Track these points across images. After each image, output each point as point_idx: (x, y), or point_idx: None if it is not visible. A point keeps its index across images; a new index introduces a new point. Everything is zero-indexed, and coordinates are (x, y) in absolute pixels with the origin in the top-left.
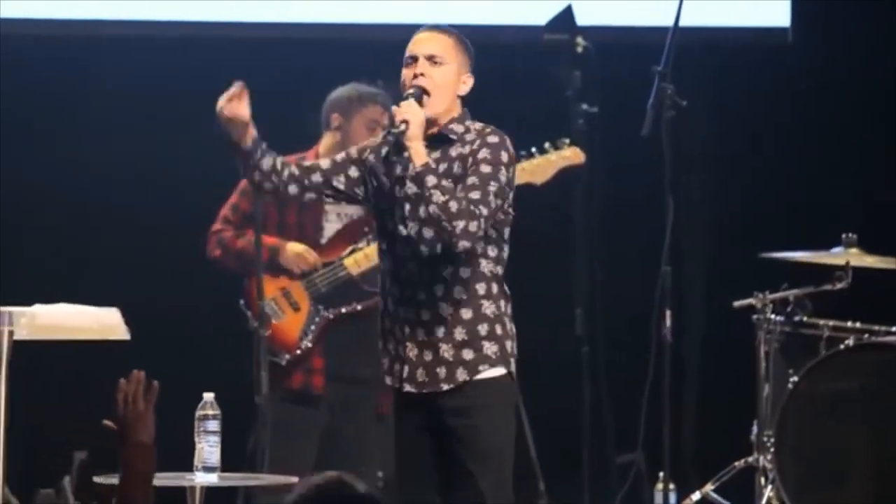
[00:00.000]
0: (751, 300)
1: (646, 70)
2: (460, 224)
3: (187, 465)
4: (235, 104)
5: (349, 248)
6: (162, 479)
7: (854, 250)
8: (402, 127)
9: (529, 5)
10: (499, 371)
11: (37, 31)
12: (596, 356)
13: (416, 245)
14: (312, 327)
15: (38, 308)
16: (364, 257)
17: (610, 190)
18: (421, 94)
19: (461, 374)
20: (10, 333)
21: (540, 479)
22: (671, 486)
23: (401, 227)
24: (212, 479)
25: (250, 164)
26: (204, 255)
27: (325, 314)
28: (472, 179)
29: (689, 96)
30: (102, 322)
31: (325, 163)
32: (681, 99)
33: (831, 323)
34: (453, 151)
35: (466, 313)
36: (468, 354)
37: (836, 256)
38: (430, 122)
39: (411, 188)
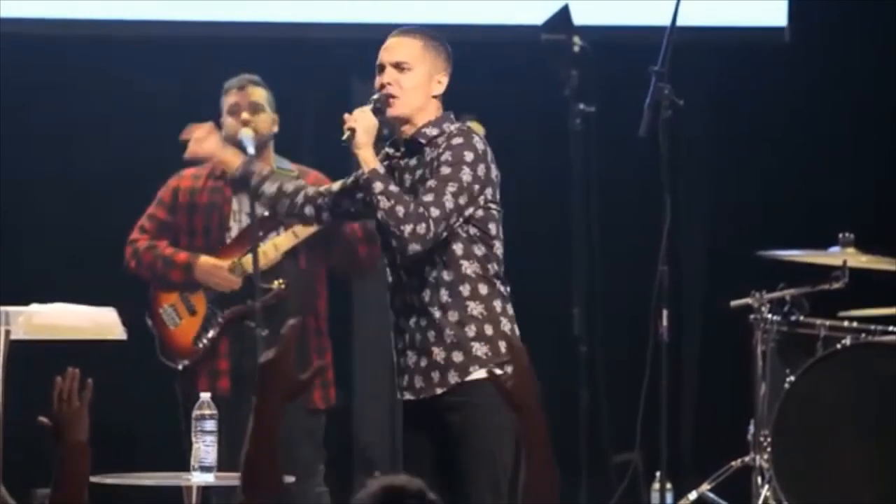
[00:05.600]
0: (748, 300)
1: (643, 69)
2: (408, 228)
3: (184, 465)
4: (195, 146)
5: (248, 248)
6: (159, 479)
7: (851, 250)
8: (348, 134)
9: (527, 5)
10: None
11: (37, 31)
12: (593, 355)
13: (397, 251)
14: (209, 330)
15: (36, 308)
16: (262, 255)
17: (607, 189)
18: (384, 103)
19: (452, 377)
20: (8, 333)
21: None
22: (668, 485)
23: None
24: (208, 478)
25: (250, 191)
26: None
27: (221, 315)
28: (429, 183)
29: (686, 96)
30: (99, 322)
31: (336, 185)
32: (678, 98)
33: (828, 322)
34: (427, 156)
35: (453, 316)
36: (458, 357)
37: (833, 256)
38: (406, 126)
39: (366, 195)
